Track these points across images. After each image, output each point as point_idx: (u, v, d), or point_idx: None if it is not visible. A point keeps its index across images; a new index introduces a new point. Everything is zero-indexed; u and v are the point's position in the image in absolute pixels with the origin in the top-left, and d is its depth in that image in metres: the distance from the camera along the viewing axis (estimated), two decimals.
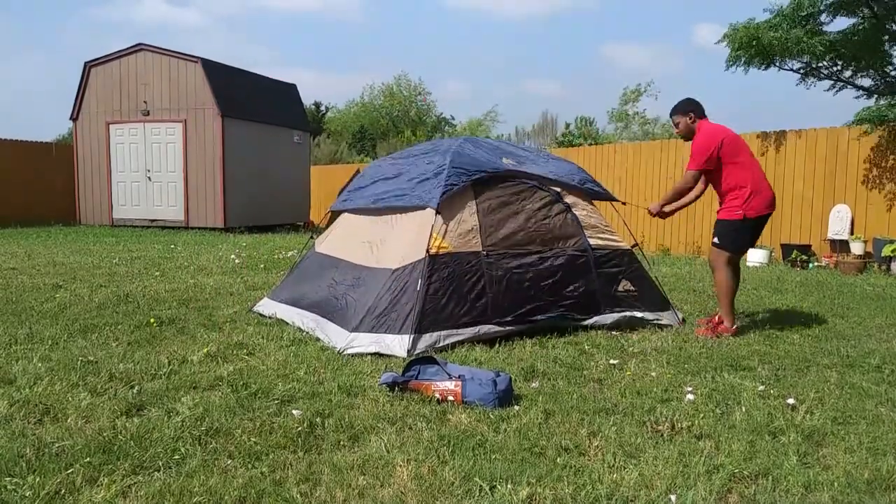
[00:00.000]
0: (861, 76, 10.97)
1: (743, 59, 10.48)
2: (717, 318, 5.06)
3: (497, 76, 65.36)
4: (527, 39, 66.31)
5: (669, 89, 56.17)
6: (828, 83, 11.13)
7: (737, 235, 5.00)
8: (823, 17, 10.39)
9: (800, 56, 10.41)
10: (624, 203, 5.95)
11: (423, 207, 4.65)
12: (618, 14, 64.93)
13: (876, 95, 10.87)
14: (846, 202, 9.85)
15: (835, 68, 10.97)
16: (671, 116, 5.25)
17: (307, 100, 38.95)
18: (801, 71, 11.01)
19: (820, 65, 10.83)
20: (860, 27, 10.34)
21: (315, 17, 69.23)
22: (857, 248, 9.40)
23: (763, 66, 10.63)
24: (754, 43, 10.13)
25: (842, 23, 10.86)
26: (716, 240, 5.06)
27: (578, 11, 63.77)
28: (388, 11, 69.41)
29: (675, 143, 12.50)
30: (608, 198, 5.55)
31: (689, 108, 5.09)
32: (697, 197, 5.25)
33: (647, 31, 64.42)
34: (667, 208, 5.23)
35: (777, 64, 10.75)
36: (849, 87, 11.11)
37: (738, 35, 10.27)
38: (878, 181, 9.60)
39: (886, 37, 10.32)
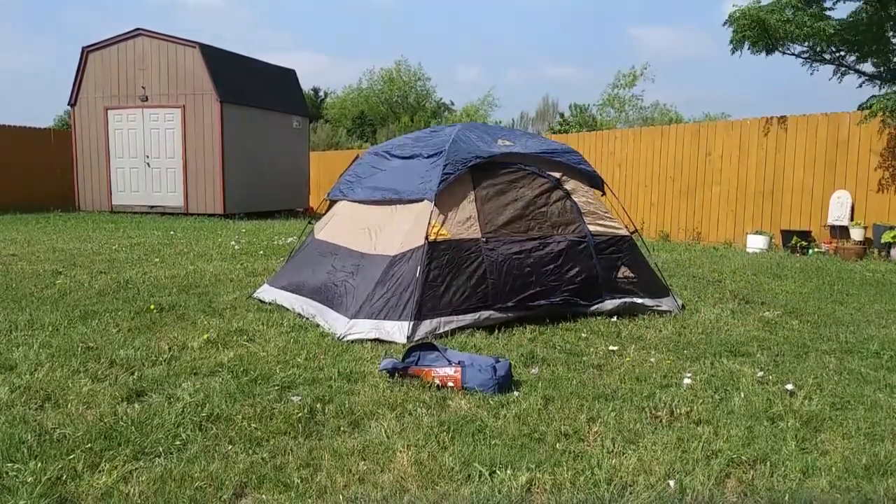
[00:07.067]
0: (863, 62, 10.89)
1: (747, 43, 10.41)
2: None
3: (511, 60, 64.39)
4: (547, 22, 65.05)
5: (693, 72, 55.08)
6: (831, 69, 11.06)
7: None
8: (828, 3, 10.31)
9: (804, 41, 10.31)
10: (614, 194, 5.92)
11: (421, 199, 4.65)
12: None
13: (879, 82, 10.79)
14: (847, 188, 9.83)
15: (838, 54, 10.89)
16: None
17: (310, 85, 38.83)
18: (805, 55, 10.93)
19: (823, 50, 10.74)
20: (862, 13, 10.25)
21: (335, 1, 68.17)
22: (856, 234, 9.38)
23: (765, 50, 10.54)
24: (757, 26, 10.04)
25: (844, 9, 10.79)
26: None
27: None
28: None
29: (675, 129, 12.46)
30: (598, 183, 5.49)
31: None
32: None
33: (672, 12, 62.68)
34: None
35: (780, 48, 10.66)
36: (852, 72, 11.02)
37: (744, 17, 10.18)
38: (880, 168, 9.56)
39: (890, 23, 10.23)
